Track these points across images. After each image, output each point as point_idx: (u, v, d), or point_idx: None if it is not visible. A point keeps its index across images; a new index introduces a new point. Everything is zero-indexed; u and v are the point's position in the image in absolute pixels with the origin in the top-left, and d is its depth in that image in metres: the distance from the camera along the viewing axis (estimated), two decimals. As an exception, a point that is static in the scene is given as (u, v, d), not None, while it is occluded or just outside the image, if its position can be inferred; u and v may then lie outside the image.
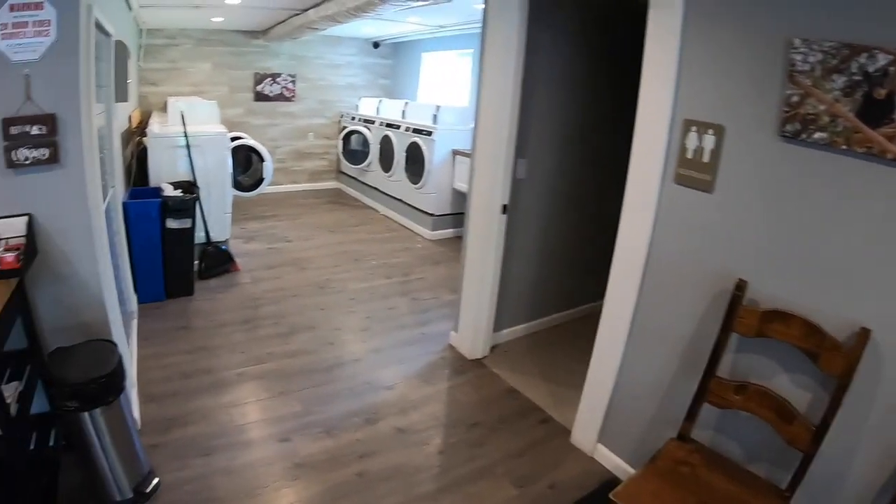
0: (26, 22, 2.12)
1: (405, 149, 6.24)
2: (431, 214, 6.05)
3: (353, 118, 7.58)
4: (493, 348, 3.66)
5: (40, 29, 2.15)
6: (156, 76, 6.82)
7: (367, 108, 7.56)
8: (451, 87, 7.24)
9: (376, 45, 8.21)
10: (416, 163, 6.09)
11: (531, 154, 3.37)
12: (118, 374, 2.23)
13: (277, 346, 3.69)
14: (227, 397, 3.08)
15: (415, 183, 6.13)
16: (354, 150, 7.46)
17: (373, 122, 7.00)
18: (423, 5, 4.40)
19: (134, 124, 5.33)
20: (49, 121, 2.19)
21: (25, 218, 2.24)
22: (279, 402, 3.05)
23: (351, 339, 3.83)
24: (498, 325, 3.66)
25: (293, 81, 7.79)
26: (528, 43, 3.00)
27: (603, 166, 3.82)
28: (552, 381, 3.34)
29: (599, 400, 2.60)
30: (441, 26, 6.45)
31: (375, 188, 7.11)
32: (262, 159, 5.89)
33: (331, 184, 8.45)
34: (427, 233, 6.10)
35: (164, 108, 6.04)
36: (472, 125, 4.90)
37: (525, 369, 3.47)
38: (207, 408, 2.97)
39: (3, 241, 2.17)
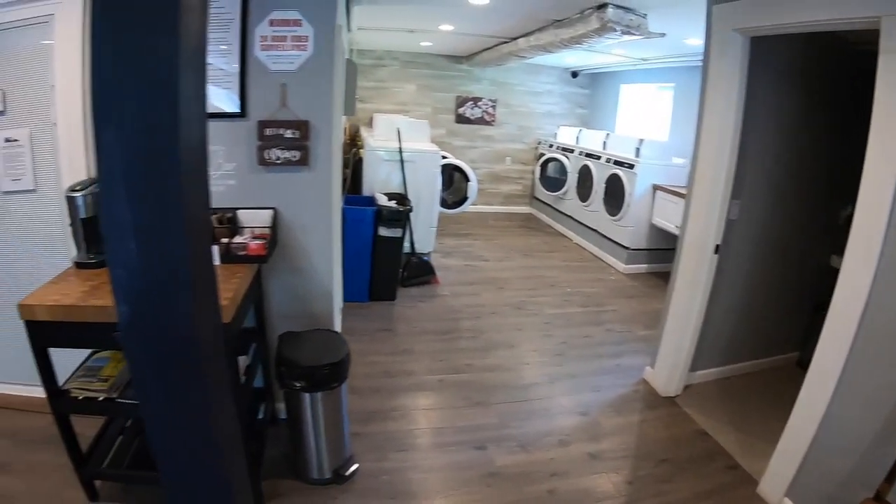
0: (285, 37, 2.49)
1: (605, 180, 6.28)
2: (626, 248, 6.02)
3: (552, 146, 7.76)
4: (686, 387, 3.63)
5: (298, 44, 2.51)
6: (364, 93, 7.44)
7: (566, 136, 7.70)
8: (650, 121, 7.21)
9: (575, 74, 8.36)
10: (615, 194, 6.10)
11: (745, 195, 3.35)
12: (345, 363, 2.50)
13: (476, 358, 3.89)
14: (426, 400, 3.34)
15: (612, 215, 6.14)
16: (551, 178, 7.63)
17: (572, 151, 7.12)
18: (634, 39, 4.44)
19: (346, 136, 5.84)
20: (303, 127, 2.56)
21: (271, 211, 2.62)
22: (476, 411, 3.21)
23: (547, 361, 3.91)
24: (694, 366, 3.63)
25: (493, 106, 8.17)
26: (749, 84, 3.01)
27: (812, 212, 3.74)
28: (742, 428, 3.25)
29: (794, 452, 2.52)
30: (643, 59, 6.46)
31: (570, 216, 7.21)
32: (466, 179, 6.23)
33: (523, 208, 8.69)
34: (620, 265, 6.08)
35: (369, 123, 6.65)
36: (674, 160, 4.93)
37: (716, 413, 3.40)
38: (407, 407, 3.24)
39: (250, 230, 2.56)
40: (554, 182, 7.54)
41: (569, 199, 7.20)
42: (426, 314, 4.55)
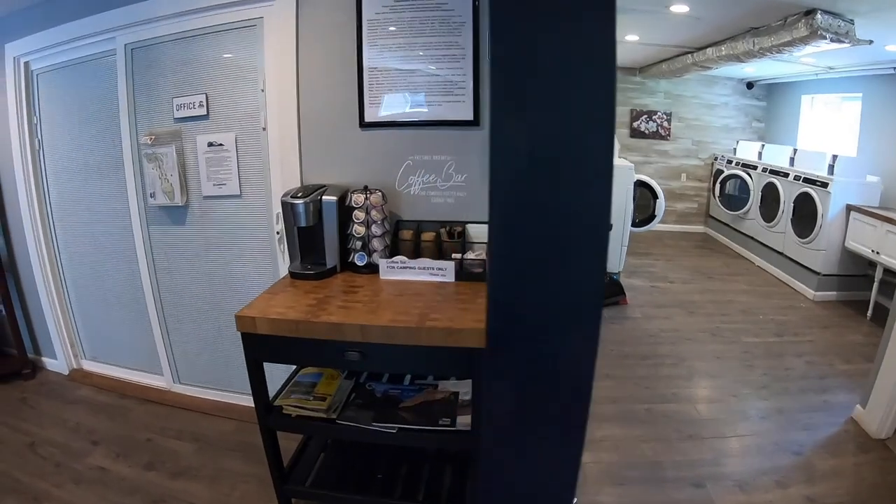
0: None
1: (793, 199, 5.77)
2: (817, 273, 5.47)
3: (730, 161, 7.27)
4: None
5: None
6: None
7: (746, 151, 7.18)
8: (834, 134, 6.63)
9: (750, 85, 7.82)
10: (805, 215, 5.61)
11: None
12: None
13: (681, 387, 3.69)
14: (637, 430, 3.15)
15: (802, 237, 5.62)
16: (731, 196, 7.13)
17: (754, 168, 6.63)
18: (841, 48, 4.11)
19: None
20: None
21: None
22: (690, 445, 3.02)
23: (753, 394, 3.64)
24: None
25: (668, 120, 7.82)
26: None
27: None
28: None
29: None
30: (830, 67, 5.97)
31: (751, 237, 6.71)
32: (654, 196, 5.92)
33: (698, 227, 8.25)
34: (810, 292, 5.53)
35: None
36: (868, 178, 4.56)
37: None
38: (617, 437, 3.06)
39: (481, 246, 2.49)
40: (734, 201, 7.05)
41: (750, 218, 6.70)
42: (621, 337, 4.41)
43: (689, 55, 5.64)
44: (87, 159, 3.27)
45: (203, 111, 2.83)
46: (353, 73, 2.51)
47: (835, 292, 5.48)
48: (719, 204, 7.46)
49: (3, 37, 3.23)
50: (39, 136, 3.39)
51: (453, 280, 2.36)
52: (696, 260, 6.85)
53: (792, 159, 6.18)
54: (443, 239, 2.50)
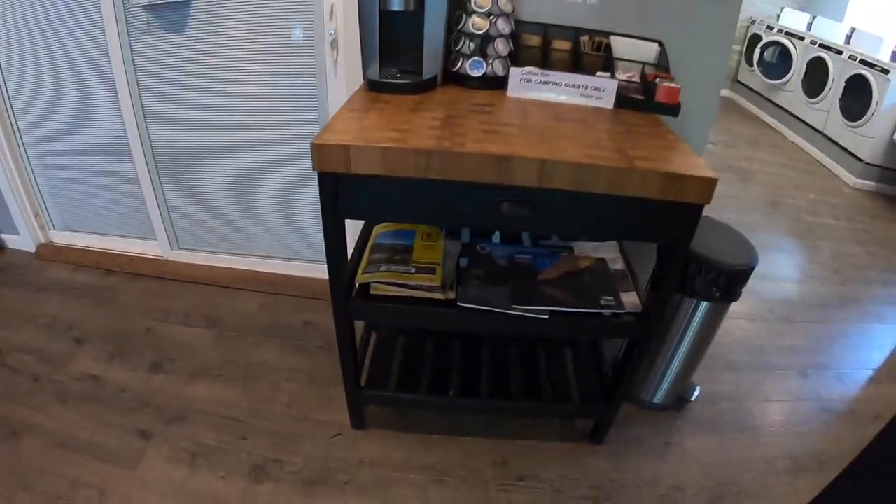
0: None
1: (846, 78, 5.25)
2: (860, 160, 5.09)
3: (771, 28, 6.59)
4: None
5: None
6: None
7: (792, 20, 6.52)
8: (887, 19, 5.98)
9: (798, -52, 6.96)
10: (857, 98, 5.10)
11: None
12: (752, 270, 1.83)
13: (765, 264, 3.35)
14: (737, 306, 2.77)
15: (851, 120, 5.16)
16: (769, 63, 6.51)
17: (801, 39, 6.02)
18: None
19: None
20: None
21: (656, 45, 1.84)
22: (785, 328, 2.84)
23: (828, 277, 3.43)
24: None
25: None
26: None
27: None
28: None
29: None
30: None
31: (787, 111, 6.21)
32: None
33: (723, 91, 7.53)
34: (850, 178, 5.19)
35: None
36: None
37: None
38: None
39: (640, 67, 1.80)
40: (773, 69, 6.43)
41: (789, 91, 6.15)
42: None
43: None
44: None
45: None
46: None
47: (874, 182, 5.14)
48: (755, 70, 6.81)
49: None
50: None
51: (611, 106, 1.65)
52: (728, 124, 6.40)
53: (848, 37, 5.64)
54: (584, 51, 1.76)
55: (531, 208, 1.27)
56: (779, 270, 3.41)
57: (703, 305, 1.84)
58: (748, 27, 7.10)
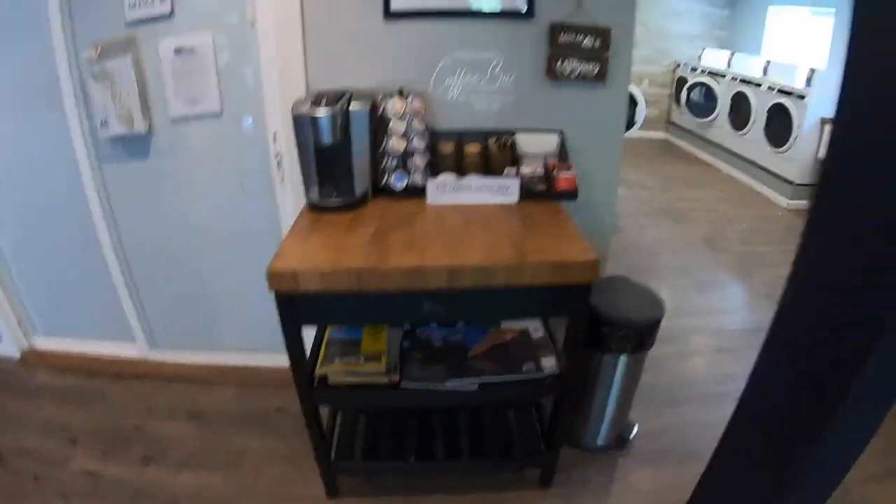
0: None
1: (767, 109, 5.68)
2: (791, 182, 5.45)
3: (695, 69, 7.04)
4: None
5: None
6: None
7: (713, 59, 6.95)
8: (801, 47, 6.43)
9: (714, -8, 7.48)
10: (780, 125, 5.51)
11: None
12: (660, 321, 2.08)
13: (693, 299, 3.67)
14: (668, 347, 3.01)
15: (777, 146, 5.55)
16: (696, 103, 6.94)
17: (722, 76, 6.47)
18: None
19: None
20: (604, 34, 2.03)
21: (557, 135, 2.14)
22: (724, 358, 3.03)
23: (760, 305, 3.64)
24: None
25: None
26: None
27: None
28: None
29: None
30: None
31: (719, 145, 6.61)
32: (634, 103, 5.65)
33: (658, 134, 8.04)
34: (783, 200, 5.52)
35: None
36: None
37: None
38: (654, 355, 2.84)
39: (541, 158, 2.07)
40: (700, 108, 6.87)
41: (718, 126, 6.57)
42: (622, 248, 4.33)
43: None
44: (5, 91, 2.47)
45: (165, 8, 2.13)
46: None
47: (806, 201, 5.45)
48: (684, 110, 7.26)
49: None
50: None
51: (517, 200, 1.95)
52: (663, 167, 6.74)
53: (765, 69, 6.03)
54: (492, 151, 2.07)
55: (445, 305, 1.55)
56: (714, 304, 3.61)
57: (622, 357, 2.11)
58: (674, 70, 7.57)
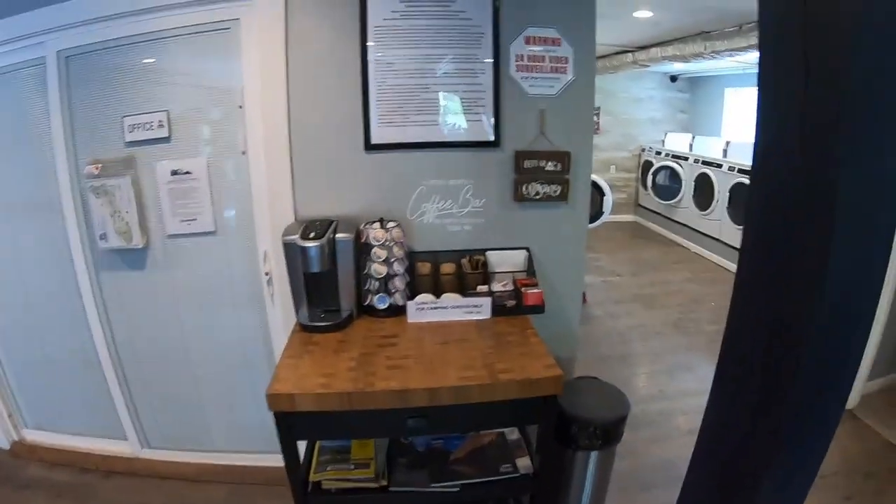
0: (543, 56, 2.21)
1: (729, 188, 6.02)
2: None
3: (659, 153, 7.43)
4: (862, 397, 3.41)
5: (557, 65, 2.23)
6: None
7: (676, 143, 7.40)
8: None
9: (674, 78, 8.03)
10: (741, 203, 5.82)
11: None
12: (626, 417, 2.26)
13: (665, 384, 3.81)
14: (641, 433, 3.17)
15: (739, 223, 5.84)
16: (662, 186, 7.33)
17: (685, 159, 6.85)
18: None
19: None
20: (564, 158, 2.29)
21: (525, 252, 2.37)
22: (693, 440, 3.03)
23: None
24: (871, 374, 3.39)
25: (598, 115, 7.82)
26: None
27: None
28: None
29: None
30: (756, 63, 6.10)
31: (685, 225, 6.94)
32: (602, 193, 5.95)
33: (628, 217, 8.41)
34: None
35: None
36: None
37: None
38: (627, 441, 2.99)
39: (503, 275, 2.29)
40: (666, 191, 7.26)
41: (683, 207, 6.93)
42: (594, 337, 4.51)
43: (630, 54, 5.71)
44: (7, 197, 2.69)
45: (163, 132, 2.36)
46: (356, 89, 2.21)
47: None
48: (651, 194, 7.61)
49: None
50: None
51: (489, 316, 2.16)
52: (634, 251, 7.01)
53: (725, 151, 6.39)
54: (465, 271, 2.29)
55: (426, 420, 1.75)
56: (685, 387, 3.76)
57: (592, 454, 2.27)
58: (640, 155, 7.97)
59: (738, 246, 5.64)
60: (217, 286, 2.61)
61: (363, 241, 2.19)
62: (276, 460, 2.73)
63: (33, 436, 3.15)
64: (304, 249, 2.02)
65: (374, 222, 2.21)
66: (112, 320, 2.73)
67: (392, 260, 2.17)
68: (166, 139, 2.40)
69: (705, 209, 6.46)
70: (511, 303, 2.19)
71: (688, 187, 6.80)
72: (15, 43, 2.43)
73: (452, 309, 2.14)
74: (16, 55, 2.46)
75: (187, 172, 2.41)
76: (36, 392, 3.09)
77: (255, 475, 2.85)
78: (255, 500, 2.73)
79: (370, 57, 2.19)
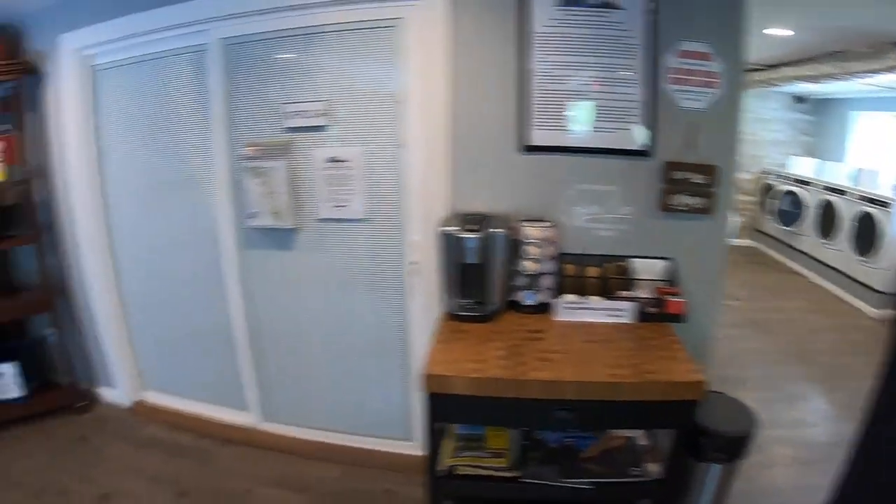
0: (694, 70, 2.23)
1: (855, 218, 5.72)
2: (878, 291, 5.42)
3: (781, 176, 7.16)
4: None
5: (709, 80, 2.24)
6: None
7: (799, 167, 7.08)
8: (884, 153, 6.56)
9: (800, 99, 7.67)
10: (867, 234, 5.57)
11: None
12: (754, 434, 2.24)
13: (782, 411, 3.69)
14: (757, 457, 2.93)
15: (863, 254, 5.58)
16: (784, 211, 7.04)
17: (809, 184, 6.58)
18: None
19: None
20: (711, 171, 2.29)
21: (667, 262, 2.37)
22: (809, 470, 3.04)
23: (844, 416, 3.64)
24: None
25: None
26: None
27: None
28: None
29: None
30: (891, 87, 5.80)
31: (805, 253, 6.64)
32: None
33: (745, 241, 8.11)
34: (870, 310, 5.48)
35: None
36: None
37: None
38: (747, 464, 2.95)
39: (645, 283, 2.32)
40: (787, 216, 6.96)
41: (805, 234, 6.63)
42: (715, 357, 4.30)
43: (760, 72, 5.55)
44: (162, 173, 2.91)
45: (322, 121, 2.51)
46: (513, 92, 2.32)
47: (893, 310, 5.26)
48: (770, 218, 7.32)
49: (57, 26, 2.85)
50: (98, 145, 3.03)
51: (631, 321, 2.21)
52: (752, 275, 6.77)
53: (856, 177, 6.06)
54: (609, 276, 2.35)
55: (575, 415, 1.82)
56: (799, 416, 3.65)
57: (717, 467, 2.26)
58: (760, 178, 7.70)
59: (858, 277, 5.47)
60: (359, 271, 2.74)
61: (516, 237, 2.26)
62: (393, 445, 2.90)
63: (154, 397, 3.37)
64: (463, 240, 2.14)
65: (531, 220, 2.30)
66: (252, 295, 2.91)
67: (543, 258, 2.23)
68: (324, 128, 2.55)
69: (827, 237, 6.18)
70: (653, 310, 2.23)
71: (810, 214, 6.52)
72: (180, 29, 2.64)
73: (597, 310, 2.21)
74: (178, 41, 2.69)
75: (344, 160, 2.56)
76: (161, 357, 3.29)
77: (370, 458, 2.91)
78: (367, 482, 2.77)
79: (529, 62, 2.29)
